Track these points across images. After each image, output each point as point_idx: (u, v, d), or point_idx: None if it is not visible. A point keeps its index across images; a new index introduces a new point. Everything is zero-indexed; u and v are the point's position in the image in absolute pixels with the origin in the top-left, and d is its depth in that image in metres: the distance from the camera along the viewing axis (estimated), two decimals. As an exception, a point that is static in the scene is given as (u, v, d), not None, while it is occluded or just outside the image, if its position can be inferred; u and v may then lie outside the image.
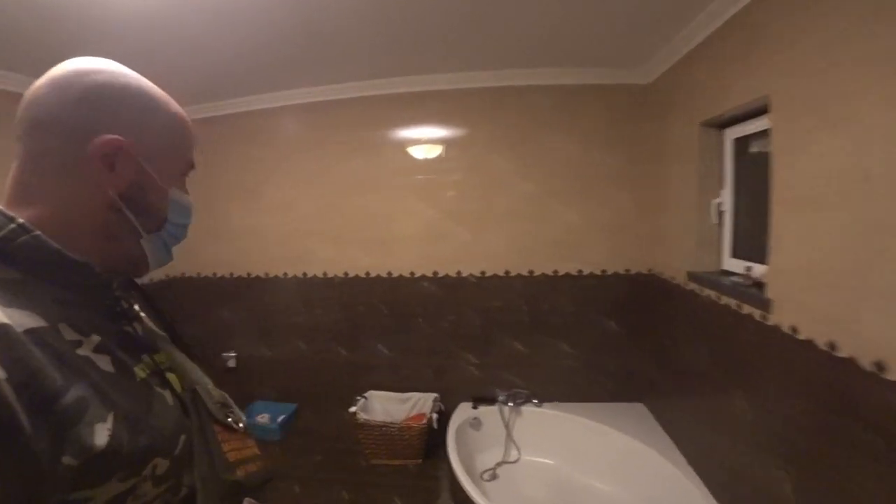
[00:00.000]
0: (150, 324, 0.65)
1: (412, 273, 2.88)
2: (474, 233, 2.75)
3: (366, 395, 2.90)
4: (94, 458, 0.40)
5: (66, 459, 0.38)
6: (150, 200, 0.55)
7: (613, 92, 2.54)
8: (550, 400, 2.67)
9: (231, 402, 0.68)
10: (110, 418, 0.42)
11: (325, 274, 3.02)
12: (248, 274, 3.18)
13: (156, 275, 3.22)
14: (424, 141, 2.76)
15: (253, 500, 0.62)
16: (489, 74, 2.55)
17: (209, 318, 3.32)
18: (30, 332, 0.41)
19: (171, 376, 0.57)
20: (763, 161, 1.61)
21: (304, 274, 3.06)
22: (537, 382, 2.73)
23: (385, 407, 2.90)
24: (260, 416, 3.11)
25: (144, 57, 2.09)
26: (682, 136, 2.16)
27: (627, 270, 2.61)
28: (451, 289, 2.83)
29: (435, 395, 2.80)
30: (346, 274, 2.99)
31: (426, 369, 2.93)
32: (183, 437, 0.52)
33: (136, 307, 0.62)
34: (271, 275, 3.13)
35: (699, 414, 2.01)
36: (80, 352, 0.45)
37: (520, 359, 2.76)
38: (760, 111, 1.64)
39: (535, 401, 2.62)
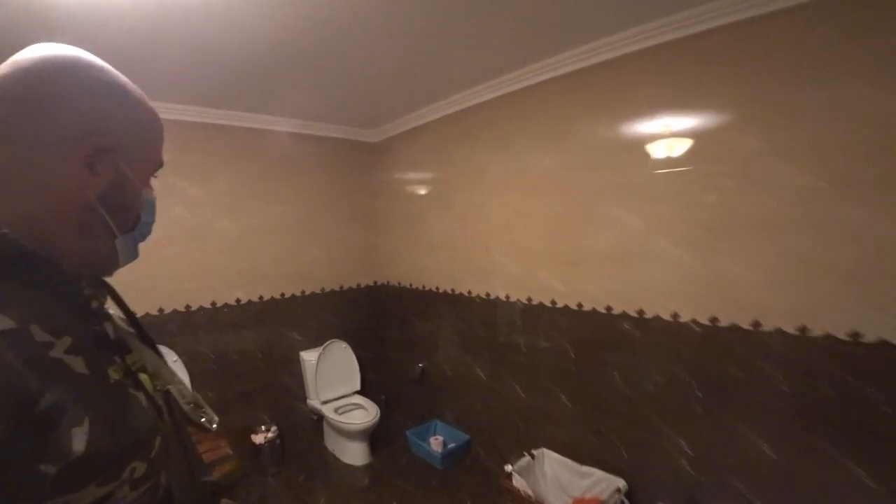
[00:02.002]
0: (122, 323, 0.63)
1: (608, 308, 2.19)
2: (701, 256, 1.87)
3: (536, 452, 2.36)
4: (72, 464, 0.39)
5: (44, 466, 0.37)
6: (127, 200, 0.54)
7: None
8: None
9: (203, 402, 0.66)
10: (87, 422, 0.41)
11: (507, 297, 2.65)
12: (437, 288, 3.10)
13: (363, 280, 3.52)
14: (622, 121, 2.05)
15: (229, 501, 0.62)
16: (713, 8, 1.69)
17: (405, 327, 3.40)
18: (1, 334, 0.39)
19: (143, 377, 0.55)
20: None
21: (487, 295, 2.76)
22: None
23: (557, 475, 2.30)
24: (434, 437, 2.96)
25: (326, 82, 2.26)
26: None
27: None
28: (661, 337, 2.02)
29: (621, 481, 2.03)
30: (529, 300, 2.53)
31: (617, 441, 2.17)
32: (158, 440, 0.51)
33: (107, 307, 0.60)
34: (456, 291, 2.96)
35: None
36: (53, 353, 0.43)
37: (767, 467, 1.70)
38: None
39: (788, 549, 1.56)
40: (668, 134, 1.92)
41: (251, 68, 2.15)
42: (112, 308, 0.61)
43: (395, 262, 3.48)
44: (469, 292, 2.88)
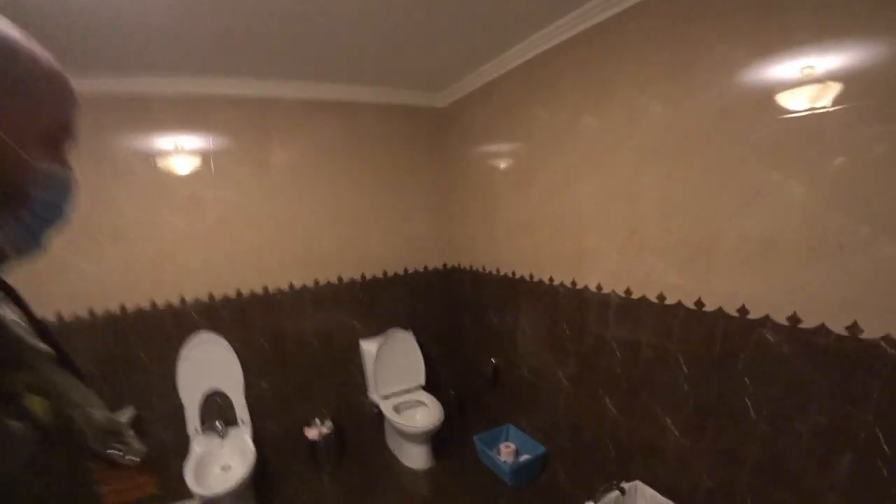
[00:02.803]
0: (22, 333, 0.50)
1: (742, 310, 1.58)
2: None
3: (628, 485, 1.85)
4: None
5: None
6: (2, 171, 0.45)
7: None
8: None
9: (125, 428, 0.56)
10: None
11: (599, 288, 2.11)
12: (513, 273, 2.64)
13: (431, 263, 3.17)
14: (776, 45, 1.39)
15: None
16: None
17: (477, 317, 3.02)
18: None
19: (34, 401, 0.45)
20: None
21: (574, 284, 2.24)
22: None
23: (657, 520, 1.77)
24: (505, 444, 2.57)
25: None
26: None
27: None
28: (828, 358, 1.38)
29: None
30: (627, 292, 1.98)
31: (748, 498, 1.58)
32: (36, 482, 0.42)
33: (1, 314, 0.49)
34: (535, 278, 2.48)
35: None
36: None
37: None
38: None
39: None
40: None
41: (293, 23, 1.84)
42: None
43: (468, 242, 3.07)
44: (551, 280, 2.38)
